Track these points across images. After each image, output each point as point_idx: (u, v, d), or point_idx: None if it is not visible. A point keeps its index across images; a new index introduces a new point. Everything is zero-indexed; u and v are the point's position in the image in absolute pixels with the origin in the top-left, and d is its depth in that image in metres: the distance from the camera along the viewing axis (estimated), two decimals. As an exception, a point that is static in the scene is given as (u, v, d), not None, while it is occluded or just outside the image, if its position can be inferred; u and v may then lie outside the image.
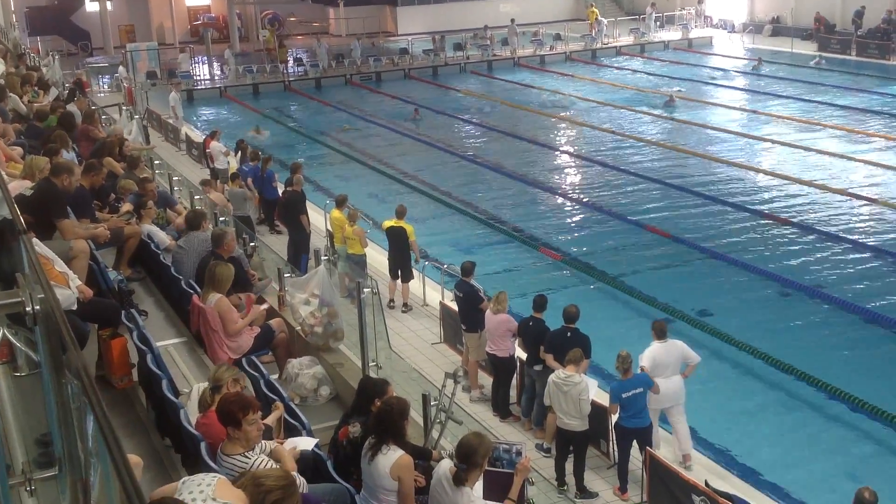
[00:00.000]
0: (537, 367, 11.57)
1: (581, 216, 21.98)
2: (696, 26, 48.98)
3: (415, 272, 15.84)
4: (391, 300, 15.55)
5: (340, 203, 16.26)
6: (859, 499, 7.86)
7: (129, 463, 2.38)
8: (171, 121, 28.53)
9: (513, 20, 45.69)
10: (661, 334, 11.18)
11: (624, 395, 10.32)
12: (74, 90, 20.55)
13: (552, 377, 10.56)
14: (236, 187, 18.21)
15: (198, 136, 26.97)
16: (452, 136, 30.50)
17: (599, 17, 46.68)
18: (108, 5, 49.30)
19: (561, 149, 28.60)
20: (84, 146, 14.43)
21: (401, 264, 15.63)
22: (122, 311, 8.48)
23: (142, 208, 11.46)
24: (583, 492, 10.47)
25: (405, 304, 15.64)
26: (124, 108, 24.87)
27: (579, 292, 16.34)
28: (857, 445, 11.97)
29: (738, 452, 11.73)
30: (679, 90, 33.15)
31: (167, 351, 9.30)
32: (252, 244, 13.08)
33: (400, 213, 15.64)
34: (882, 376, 13.69)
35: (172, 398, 7.09)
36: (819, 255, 18.47)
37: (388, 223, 15.80)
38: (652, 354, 11.00)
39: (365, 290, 9.43)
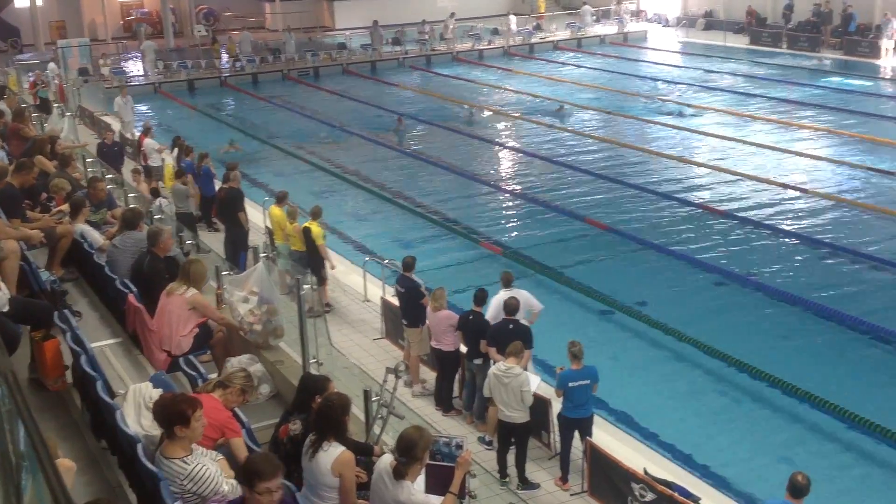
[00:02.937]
0: (477, 361, 11.62)
1: (520, 209, 22.11)
2: (631, 20, 49.55)
3: (356, 269, 15.72)
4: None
5: (280, 200, 16.12)
6: (793, 483, 8.03)
7: (57, 468, 2.34)
8: (119, 127, 27.37)
9: (452, 14, 45.74)
10: (506, 283, 12.23)
11: (570, 385, 10.42)
12: (3, 88, 20.08)
13: (493, 369, 10.62)
14: (181, 184, 17.98)
15: (127, 131, 26.46)
16: (390, 131, 30.42)
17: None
18: (39, 1, 48.19)
19: (500, 143, 28.72)
20: (14, 145, 14.13)
21: (310, 265, 15.24)
22: (55, 312, 8.32)
23: (82, 207, 11.25)
24: (525, 483, 10.55)
25: (326, 305, 15.14)
26: (56, 105, 24.35)
27: (520, 285, 16.36)
28: (790, 431, 12.23)
29: (675, 440, 11.91)
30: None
31: (102, 352, 9.14)
32: (189, 242, 12.90)
33: (313, 214, 15.46)
34: (814, 362, 14.02)
35: (108, 400, 6.97)
36: (753, 245, 18.84)
37: (304, 224, 15.65)
38: (497, 301, 11.87)
39: (305, 286, 9.38)
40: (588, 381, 10.45)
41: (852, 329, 14.93)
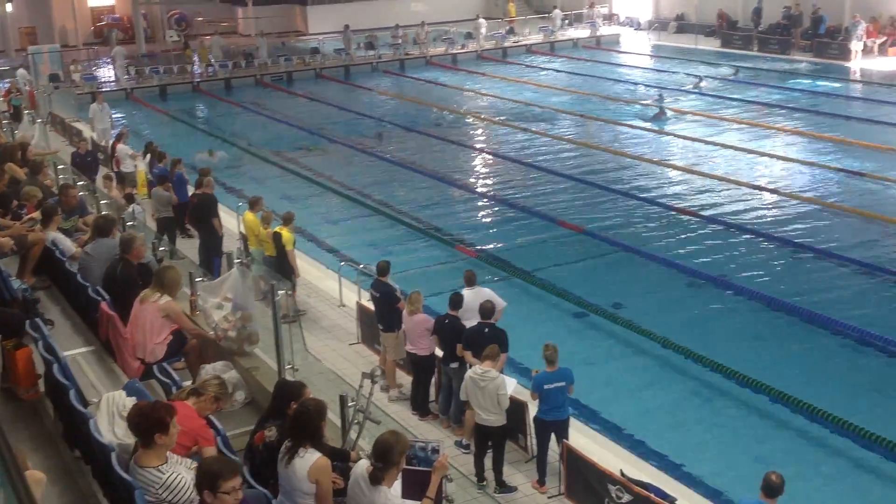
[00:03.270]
0: (454, 365, 11.62)
1: (495, 213, 22.15)
2: (603, 24, 49.81)
3: (332, 274, 15.63)
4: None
5: (254, 205, 16.05)
6: (767, 482, 8.09)
7: (27, 480, 2.32)
8: (93, 134, 26.88)
9: (422, 22, 45.83)
10: (469, 282, 12.46)
11: (546, 387, 10.44)
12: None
13: (469, 373, 10.62)
14: (163, 189, 17.84)
15: (100, 138, 26.26)
16: (366, 136, 30.41)
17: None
18: (8, 7, 47.77)
19: (475, 147, 28.77)
20: (-17, 152, 13.99)
21: (280, 271, 15.04)
22: (27, 321, 8.25)
23: (53, 215, 11.17)
24: (502, 486, 10.56)
25: (297, 310, 14.94)
26: (26, 112, 24.12)
27: (495, 288, 16.36)
28: (765, 430, 12.32)
29: (651, 441, 11.97)
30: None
31: (75, 360, 9.07)
32: (163, 248, 12.82)
33: (285, 220, 15.40)
34: (787, 362, 14.13)
35: (81, 409, 6.92)
36: (726, 247, 18.97)
37: (276, 229, 15.58)
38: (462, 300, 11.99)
39: (279, 292, 9.34)
40: (563, 383, 10.48)
41: (825, 329, 15.07)
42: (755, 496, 8.17)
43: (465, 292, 12.22)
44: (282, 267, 15.12)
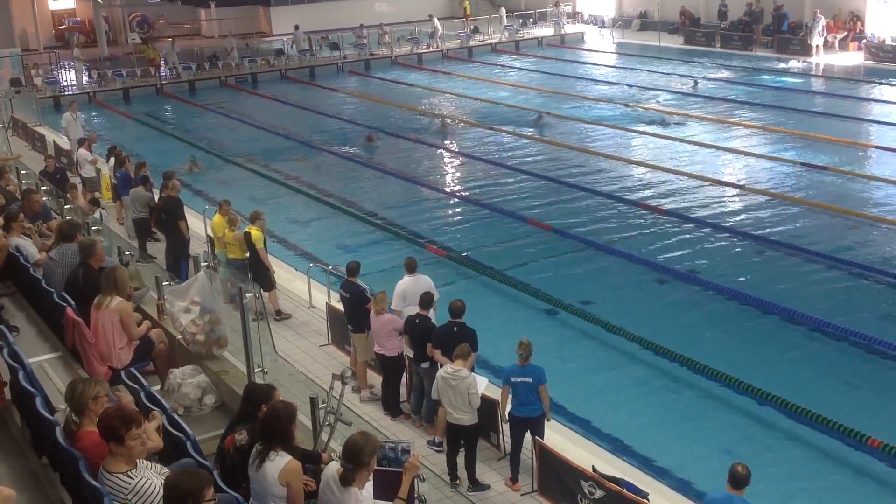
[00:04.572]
0: (425, 365, 11.60)
1: (464, 212, 22.16)
2: (568, 22, 50.06)
3: (300, 275, 15.56)
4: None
5: (221, 207, 15.93)
6: (733, 474, 8.18)
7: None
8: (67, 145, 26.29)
9: (381, 24, 45.85)
10: (410, 269, 12.64)
11: (513, 379, 10.44)
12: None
13: (440, 372, 10.61)
14: (144, 191, 17.58)
15: (65, 144, 25.99)
16: (333, 137, 30.31)
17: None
18: (-32, 11, 47.18)
19: (442, 146, 28.75)
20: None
21: (254, 272, 15.05)
22: (-9, 328, 8.13)
23: (12, 220, 11.02)
24: (475, 485, 10.55)
25: (278, 313, 15.05)
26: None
27: (465, 287, 16.47)
28: (735, 424, 12.40)
29: (623, 437, 12.02)
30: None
31: (41, 367, 8.98)
32: (128, 252, 12.70)
33: (251, 219, 15.32)
34: (756, 355, 14.24)
35: (48, 416, 6.84)
36: (693, 242, 19.11)
37: (245, 229, 15.53)
38: (401, 287, 12.49)
39: (247, 294, 9.28)
40: (531, 380, 10.42)
41: (792, 322, 15.21)
42: (724, 489, 8.23)
43: (406, 279, 12.56)
44: (255, 267, 15.06)
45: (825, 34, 38.95)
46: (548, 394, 10.52)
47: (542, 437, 10.47)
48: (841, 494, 11.00)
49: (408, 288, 12.42)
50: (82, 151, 21.62)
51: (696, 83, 35.23)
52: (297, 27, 44.86)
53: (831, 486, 11.16)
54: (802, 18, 41.30)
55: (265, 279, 15.10)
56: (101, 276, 9.55)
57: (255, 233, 15.01)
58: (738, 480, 8.12)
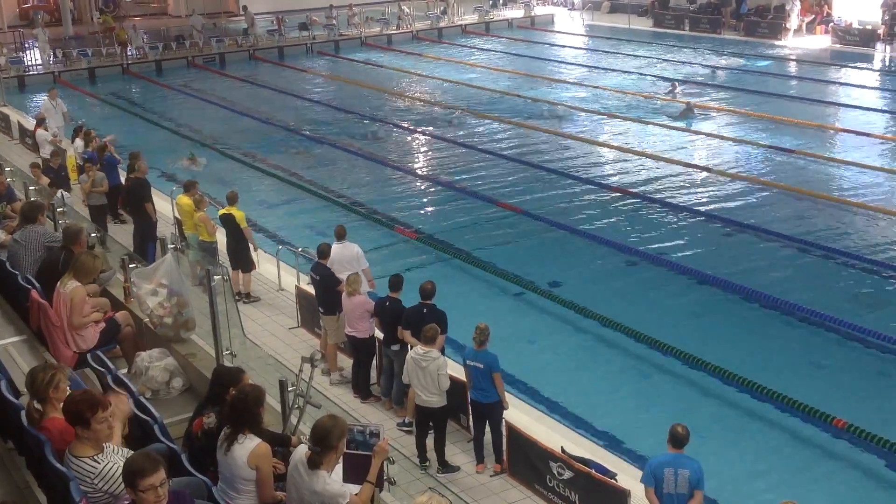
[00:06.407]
0: (395, 347, 11.60)
1: (434, 194, 22.13)
2: (537, 4, 49.98)
3: (270, 258, 15.49)
4: (237, 292, 15.05)
5: (188, 188, 15.79)
6: (673, 434, 8.41)
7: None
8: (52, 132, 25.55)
9: (350, 5, 45.52)
10: (339, 237, 13.38)
11: (468, 362, 10.46)
12: None
13: (410, 354, 10.61)
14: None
15: (30, 124, 25.61)
16: (301, 118, 30.11)
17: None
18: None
19: (411, 128, 28.64)
20: None
21: (236, 253, 15.12)
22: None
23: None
24: (445, 466, 10.58)
25: (247, 295, 14.98)
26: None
27: (435, 269, 16.47)
28: (703, 404, 12.51)
29: (591, 418, 12.10)
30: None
31: (6, 350, 8.88)
32: (94, 234, 12.54)
33: (230, 199, 15.21)
34: (722, 337, 14.38)
35: (13, 399, 6.76)
36: (661, 224, 19.23)
37: (221, 211, 15.35)
38: (334, 253, 13.01)
39: (215, 277, 9.19)
40: (482, 366, 10.33)
41: (759, 304, 15.36)
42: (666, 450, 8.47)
43: (335, 246, 13.16)
44: (238, 248, 15.00)
45: (801, 18, 39.21)
46: (502, 382, 10.47)
47: (498, 424, 10.45)
48: (804, 473, 11.14)
49: (335, 255, 12.99)
50: (40, 132, 21.26)
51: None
52: (244, 7, 44.34)
53: (798, 466, 11.31)
54: (770, 1, 41.51)
55: (248, 260, 15.07)
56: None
57: (238, 212, 14.94)
58: (678, 440, 8.41)
